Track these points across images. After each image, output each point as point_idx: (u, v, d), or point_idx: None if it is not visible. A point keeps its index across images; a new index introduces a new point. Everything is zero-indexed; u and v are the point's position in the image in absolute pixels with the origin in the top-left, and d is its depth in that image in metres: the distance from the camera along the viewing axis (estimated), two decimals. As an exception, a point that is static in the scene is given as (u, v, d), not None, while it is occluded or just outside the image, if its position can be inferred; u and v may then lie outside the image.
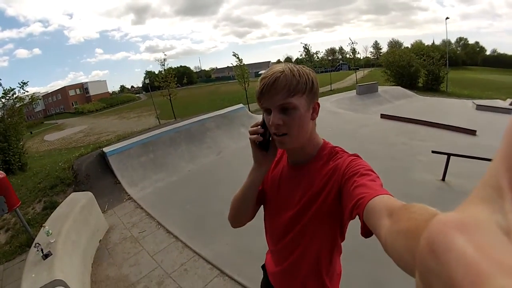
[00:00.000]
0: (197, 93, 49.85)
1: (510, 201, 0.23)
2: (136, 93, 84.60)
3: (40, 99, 13.80)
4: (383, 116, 12.85)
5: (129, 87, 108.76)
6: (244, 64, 25.13)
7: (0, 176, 4.38)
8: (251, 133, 1.08)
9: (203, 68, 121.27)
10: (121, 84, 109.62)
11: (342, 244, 1.18)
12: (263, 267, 1.52)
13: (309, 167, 1.10)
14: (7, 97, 12.03)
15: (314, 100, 1.04)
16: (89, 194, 4.99)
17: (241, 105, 11.29)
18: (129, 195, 6.36)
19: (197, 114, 12.36)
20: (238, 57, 25.44)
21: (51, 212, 5.72)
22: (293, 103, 0.97)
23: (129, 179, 6.93)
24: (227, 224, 1.31)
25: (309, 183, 1.07)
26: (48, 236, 3.58)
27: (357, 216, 0.81)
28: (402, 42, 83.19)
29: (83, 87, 74.53)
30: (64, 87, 72.77)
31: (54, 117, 59.15)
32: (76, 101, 69.27)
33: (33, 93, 13.70)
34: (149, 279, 3.71)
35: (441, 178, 5.62)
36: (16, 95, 12.21)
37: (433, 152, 6.10)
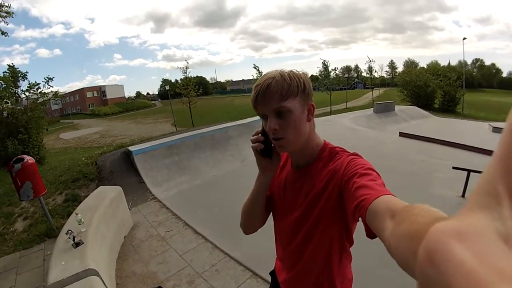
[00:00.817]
0: (212, 104, 50.35)
1: (508, 208, 0.22)
2: (152, 100, 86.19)
3: (62, 96, 14.14)
4: (401, 134, 12.95)
5: (145, 93, 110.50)
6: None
7: (30, 161, 4.50)
8: (253, 141, 1.09)
9: (218, 80, 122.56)
10: (137, 90, 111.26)
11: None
12: (272, 273, 1.53)
13: (310, 169, 1.11)
14: (32, 91, 12.32)
15: (308, 102, 1.06)
16: (118, 188, 4.99)
17: (263, 116, 11.34)
18: (153, 195, 6.38)
19: (213, 124, 12.43)
20: (258, 70, 25.71)
21: (73, 205, 5.84)
22: (287, 106, 0.99)
23: (153, 179, 6.97)
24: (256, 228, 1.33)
25: (311, 185, 1.08)
26: (79, 224, 3.59)
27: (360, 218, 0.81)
28: (418, 62, 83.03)
29: (100, 90, 75.92)
30: (82, 88, 74.28)
31: (71, 117, 60.15)
32: (92, 103, 70.44)
33: (57, 90, 13.99)
34: (179, 277, 3.67)
35: (461, 194, 5.62)
36: (41, 89, 12.53)
37: (454, 168, 6.14)
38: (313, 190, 1.07)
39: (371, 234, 0.74)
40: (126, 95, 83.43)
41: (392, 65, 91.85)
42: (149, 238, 4.68)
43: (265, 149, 1.09)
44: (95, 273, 2.83)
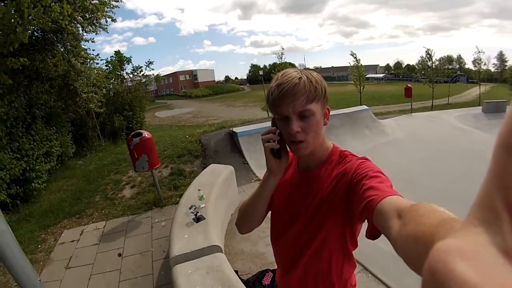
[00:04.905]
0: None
1: (506, 222, 0.22)
2: (240, 85, 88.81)
3: (161, 79, 16.54)
4: None
5: (234, 78, 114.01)
6: (362, 64, 24.23)
7: (147, 136, 4.72)
8: (266, 140, 1.07)
9: (307, 66, 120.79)
10: (226, 75, 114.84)
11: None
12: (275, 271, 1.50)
13: (319, 172, 1.10)
14: (135, 73, 13.69)
15: (326, 106, 1.05)
16: (230, 167, 5.04)
17: (365, 107, 10.73)
18: (257, 176, 6.42)
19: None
20: (355, 57, 24.58)
21: (179, 178, 6.18)
22: (312, 110, 0.98)
23: (256, 161, 7.01)
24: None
25: (318, 188, 1.07)
26: (200, 200, 3.67)
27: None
28: None
29: (192, 74, 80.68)
30: (176, 72, 79.81)
31: (165, 98, 64.48)
32: (185, 86, 75.22)
33: (158, 73, 15.42)
34: None
35: None
36: (143, 72, 13.84)
37: None
38: (320, 192, 1.06)
39: (372, 234, 0.79)
40: (216, 79, 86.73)
41: (501, 57, 79.22)
42: (255, 219, 4.66)
43: (277, 150, 1.07)
44: (220, 250, 2.88)
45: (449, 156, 7.62)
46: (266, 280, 3.08)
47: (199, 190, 3.80)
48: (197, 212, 3.33)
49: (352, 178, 0.96)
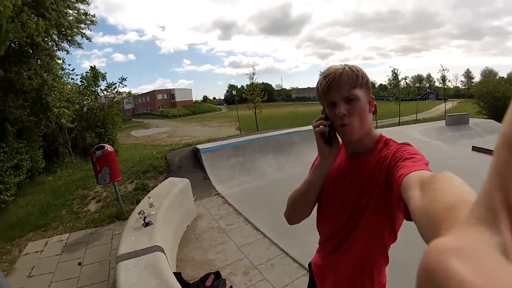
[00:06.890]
0: (277, 111, 49.78)
1: (504, 221, 0.22)
2: (218, 105, 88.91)
3: (135, 97, 16.36)
4: (474, 148, 11.87)
5: (212, 98, 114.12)
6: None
7: (110, 149, 4.96)
8: (317, 126, 1.15)
9: (284, 87, 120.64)
10: (204, 94, 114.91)
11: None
12: (310, 265, 1.52)
13: (365, 159, 1.14)
14: (109, 90, 13.79)
15: (370, 94, 1.14)
16: (186, 180, 5.27)
17: (326, 123, 11.04)
18: (217, 191, 6.63)
19: (276, 129, 12.51)
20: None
21: (142, 193, 6.31)
22: (356, 94, 1.07)
23: (217, 176, 7.24)
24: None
25: (362, 175, 1.12)
26: (150, 207, 3.90)
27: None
28: (497, 71, 69.07)
29: (170, 93, 79.95)
30: (153, 91, 79.08)
31: (141, 116, 63.84)
32: (162, 105, 74.44)
33: (129, 90, 15.52)
34: (235, 267, 3.78)
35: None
36: (117, 89, 13.99)
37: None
38: (364, 178, 1.11)
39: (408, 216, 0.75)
40: (194, 99, 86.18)
41: (468, 75, 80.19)
42: (210, 229, 4.89)
43: (328, 136, 1.15)
44: (161, 250, 3.08)
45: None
46: (208, 282, 3.29)
47: (149, 197, 4.07)
48: (145, 217, 3.54)
49: (389, 163, 0.99)
